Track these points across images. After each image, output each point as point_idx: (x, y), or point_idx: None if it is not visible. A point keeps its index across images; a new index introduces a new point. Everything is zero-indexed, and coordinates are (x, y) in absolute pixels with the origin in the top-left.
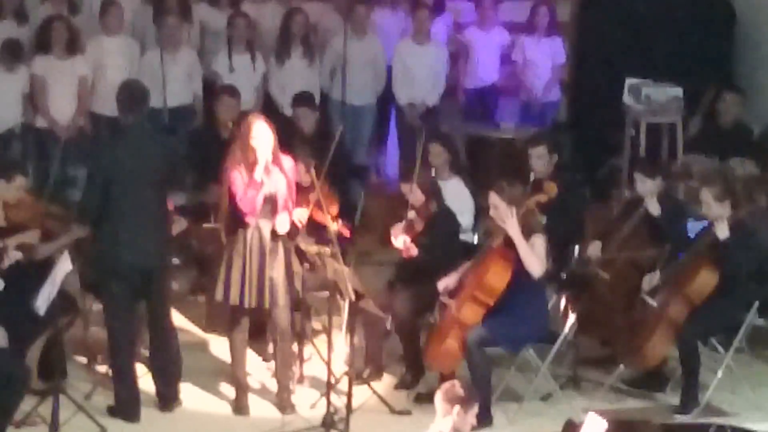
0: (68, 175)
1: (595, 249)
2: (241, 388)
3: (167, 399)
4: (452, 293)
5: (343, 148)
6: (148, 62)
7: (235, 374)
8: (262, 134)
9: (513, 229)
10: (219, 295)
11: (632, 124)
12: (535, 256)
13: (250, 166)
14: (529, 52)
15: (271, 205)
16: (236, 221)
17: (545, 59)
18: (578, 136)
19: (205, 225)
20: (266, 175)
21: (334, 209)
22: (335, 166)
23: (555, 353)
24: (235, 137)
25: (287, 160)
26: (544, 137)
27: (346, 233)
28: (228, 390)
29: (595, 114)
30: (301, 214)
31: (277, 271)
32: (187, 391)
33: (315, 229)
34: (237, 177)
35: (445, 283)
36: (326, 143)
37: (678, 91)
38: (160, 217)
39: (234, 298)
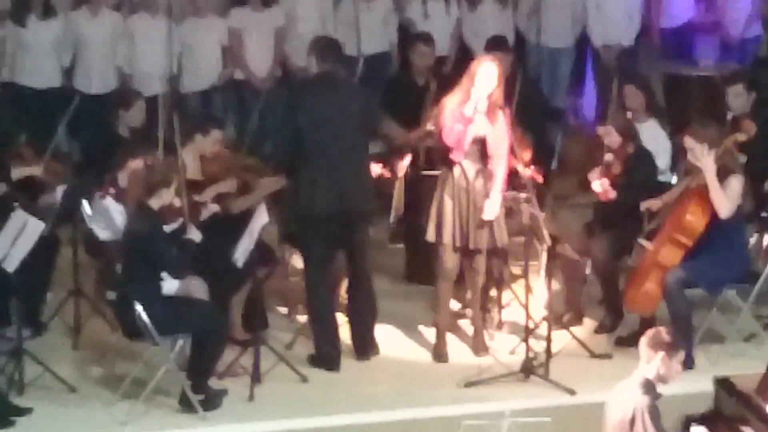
0: (267, 127)
1: None
2: (441, 335)
3: (364, 347)
4: (650, 235)
5: (539, 91)
6: (344, 11)
7: (436, 320)
8: (486, 75)
9: (707, 169)
10: (431, 235)
11: None
12: (724, 197)
13: (464, 101)
14: None
15: (479, 148)
16: (446, 158)
17: None
18: None
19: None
20: (479, 116)
21: (527, 155)
22: (529, 111)
23: (757, 293)
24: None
25: (505, 109)
26: (742, 75)
27: (539, 179)
28: (426, 338)
29: None
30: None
31: (479, 214)
32: (385, 339)
33: (509, 174)
34: (450, 111)
35: (647, 204)
36: (523, 87)
37: None
38: (359, 165)
39: (446, 237)
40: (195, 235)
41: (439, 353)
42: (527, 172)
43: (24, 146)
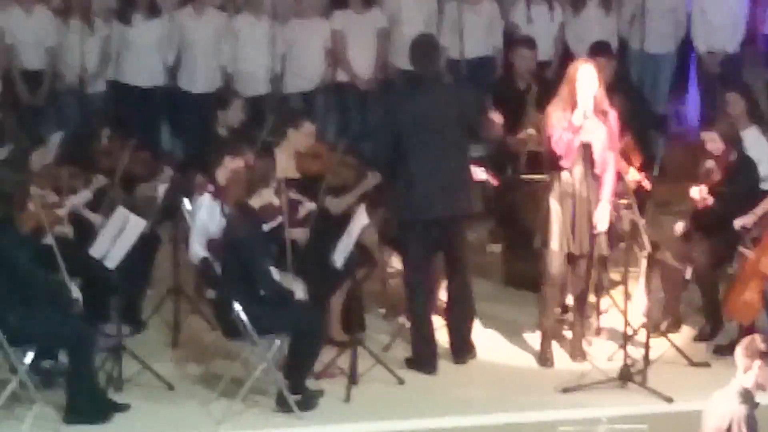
0: (368, 129)
1: None
2: (547, 340)
3: (461, 350)
4: (753, 243)
5: (642, 97)
6: (448, 14)
7: (542, 325)
8: (587, 79)
9: None
10: (537, 241)
11: None
12: None
13: (571, 109)
14: None
15: (586, 153)
16: (552, 164)
17: None
18: None
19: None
20: (585, 122)
21: (637, 162)
22: (632, 117)
23: None
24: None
25: (612, 112)
26: None
27: (648, 186)
28: (524, 342)
29: None
30: (632, 175)
31: (585, 219)
32: (482, 342)
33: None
34: (556, 119)
35: (741, 222)
36: (626, 93)
37: None
38: (459, 167)
39: (554, 243)
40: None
41: (545, 358)
42: (637, 176)
43: (110, 140)
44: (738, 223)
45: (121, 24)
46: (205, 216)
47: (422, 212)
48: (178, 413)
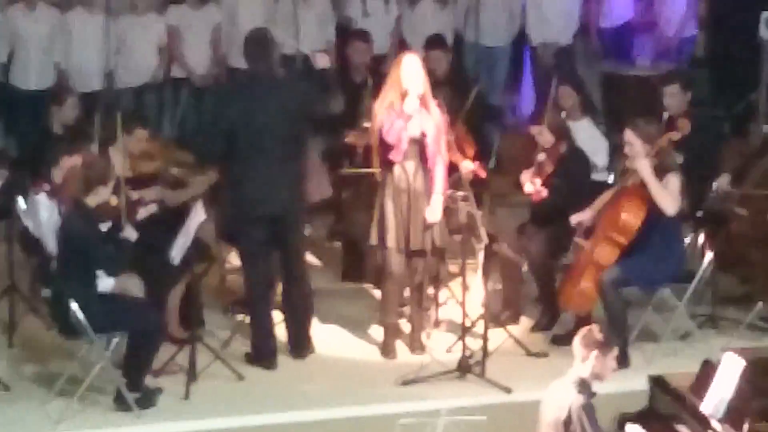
0: (203, 125)
1: (723, 182)
2: (390, 335)
3: (299, 346)
4: (587, 233)
5: (480, 92)
6: (282, 9)
7: (384, 321)
8: (412, 69)
9: (643, 167)
10: (373, 238)
11: None
12: (667, 194)
13: (400, 99)
14: None
15: (418, 147)
16: (383, 161)
17: None
18: (715, 72)
19: (343, 170)
20: (415, 114)
21: (471, 151)
22: (472, 111)
23: (692, 292)
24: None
25: (435, 106)
26: (677, 75)
27: (482, 174)
28: (363, 336)
29: (732, 49)
30: (466, 165)
31: (420, 214)
32: (321, 337)
33: (449, 170)
34: (384, 112)
35: (578, 218)
36: (460, 86)
37: None
38: (292, 164)
39: (390, 241)
40: (131, 233)
41: (388, 350)
42: (471, 166)
43: None
44: (575, 219)
45: None
46: (46, 214)
47: (253, 209)
48: (15, 414)
